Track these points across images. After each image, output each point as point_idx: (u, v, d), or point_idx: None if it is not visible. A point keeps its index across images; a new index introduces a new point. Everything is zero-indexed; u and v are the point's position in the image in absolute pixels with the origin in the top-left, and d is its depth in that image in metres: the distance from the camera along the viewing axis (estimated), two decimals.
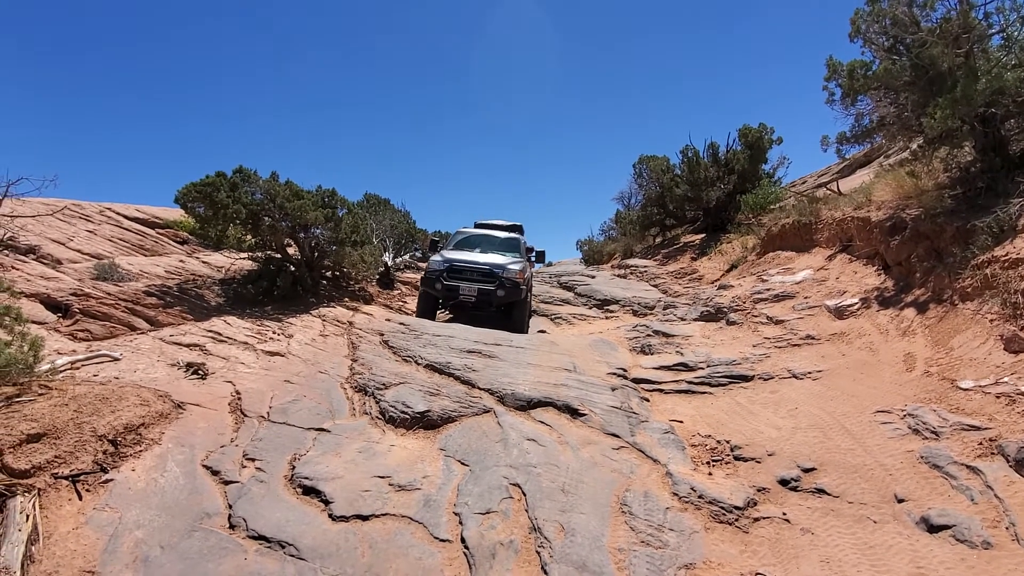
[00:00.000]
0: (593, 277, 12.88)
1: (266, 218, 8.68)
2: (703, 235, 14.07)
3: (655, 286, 11.62)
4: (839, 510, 2.86)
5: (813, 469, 3.26)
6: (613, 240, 19.05)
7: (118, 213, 11.57)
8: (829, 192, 10.69)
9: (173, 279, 8.68)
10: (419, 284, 9.44)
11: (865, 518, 2.74)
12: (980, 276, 4.32)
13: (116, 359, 5.27)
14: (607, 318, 9.75)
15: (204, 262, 10.60)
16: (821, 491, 3.05)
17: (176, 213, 12.62)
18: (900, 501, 2.79)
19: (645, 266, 13.50)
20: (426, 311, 8.53)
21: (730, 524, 2.92)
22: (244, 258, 9.43)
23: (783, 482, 3.21)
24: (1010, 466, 2.70)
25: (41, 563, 2.75)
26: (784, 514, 2.92)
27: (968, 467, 2.84)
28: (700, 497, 3.13)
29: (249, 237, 9.03)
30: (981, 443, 2.97)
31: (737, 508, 3.01)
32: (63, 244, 8.91)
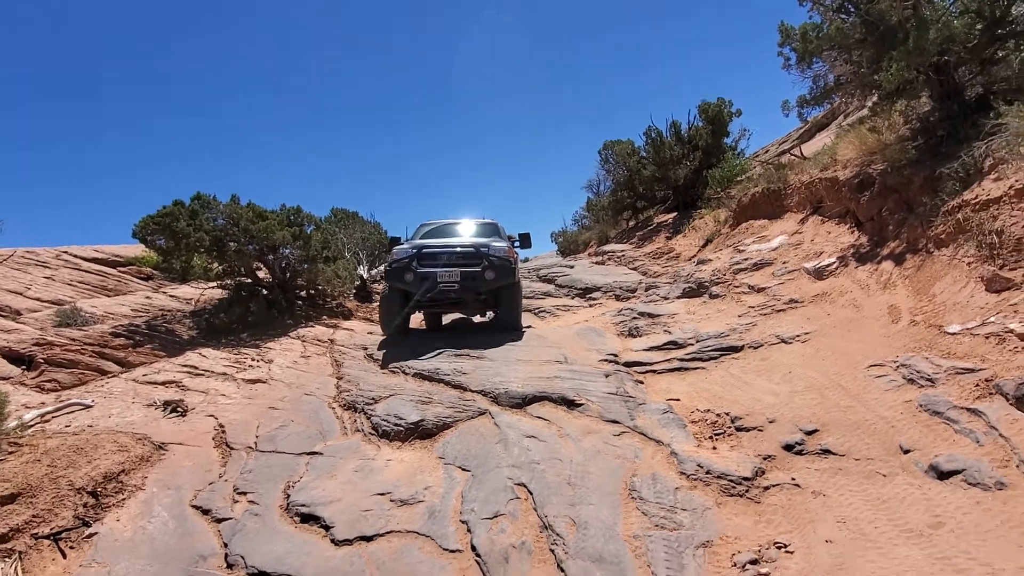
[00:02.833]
0: (572, 267, 12.84)
1: (231, 243, 8.41)
2: (675, 214, 14.15)
3: (634, 269, 11.63)
4: (847, 468, 2.84)
5: (816, 431, 3.24)
6: (587, 229, 19.06)
7: (75, 256, 11.12)
8: (793, 157, 10.84)
9: (140, 317, 8.36)
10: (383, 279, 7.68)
11: (874, 473, 2.72)
12: (952, 221, 4.38)
13: (88, 406, 5.02)
14: (591, 306, 9.71)
15: (172, 296, 10.27)
16: (827, 451, 3.02)
17: (136, 249, 12.20)
18: (906, 452, 2.78)
19: (622, 250, 13.51)
20: (393, 316, 6.87)
21: (741, 496, 2.88)
22: (213, 287, 9.14)
23: (788, 447, 3.18)
24: (1011, 404, 2.71)
25: None
26: (793, 479, 2.88)
27: (969, 410, 2.84)
28: (708, 473, 3.08)
29: (216, 265, 8.74)
30: (978, 384, 2.98)
31: (746, 479, 2.97)
32: (20, 294, 8.51)
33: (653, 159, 14.21)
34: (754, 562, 2.34)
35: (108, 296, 9.66)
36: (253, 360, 6.78)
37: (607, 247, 14.69)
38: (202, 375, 6.09)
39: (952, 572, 1.90)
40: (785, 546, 2.41)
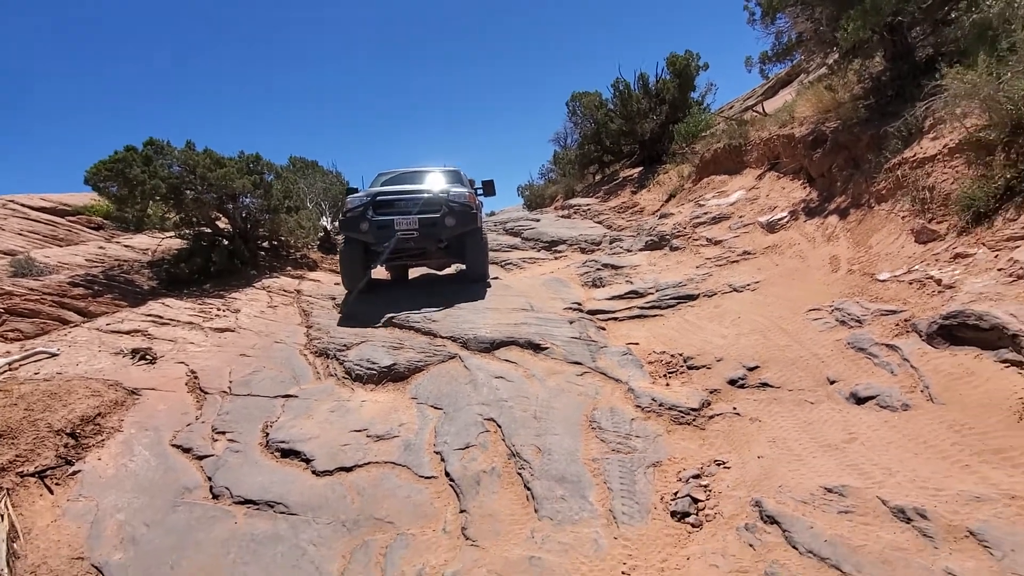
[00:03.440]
0: (538, 220, 12.95)
1: (188, 191, 8.14)
2: (641, 168, 14.30)
3: (600, 222, 11.85)
4: (781, 398, 3.19)
5: (757, 367, 3.58)
6: (553, 182, 19.05)
7: (22, 204, 10.55)
8: (755, 114, 11.06)
9: (96, 267, 8.12)
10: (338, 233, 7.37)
11: (803, 401, 3.08)
12: (892, 178, 4.70)
13: (54, 355, 4.99)
14: (556, 258, 9.93)
15: (127, 246, 9.93)
16: (765, 385, 3.38)
17: (86, 198, 11.64)
18: (832, 382, 3.15)
19: (588, 204, 13.68)
20: (354, 271, 6.55)
21: (688, 424, 3.20)
22: (171, 236, 8.87)
23: (732, 382, 3.53)
24: (923, 340, 3.08)
25: (27, 557, 2.71)
26: (735, 409, 3.22)
27: (887, 346, 3.21)
28: (660, 405, 3.40)
29: (173, 214, 8.48)
30: (898, 324, 3.35)
31: (694, 410, 3.30)
32: None
33: (620, 112, 14.20)
34: (696, 476, 2.67)
35: (60, 246, 9.28)
36: (219, 310, 6.75)
37: (573, 201, 14.82)
38: (168, 324, 6.07)
39: (856, 474, 2.25)
40: (724, 463, 2.74)
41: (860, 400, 2.86)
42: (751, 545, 2.00)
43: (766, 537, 2.01)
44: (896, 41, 5.81)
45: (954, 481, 2.03)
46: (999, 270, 3.01)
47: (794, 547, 1.91)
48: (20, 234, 9.03)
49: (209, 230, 8.71)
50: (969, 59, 4.64)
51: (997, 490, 1.91)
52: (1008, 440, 2.17)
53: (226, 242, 8.64)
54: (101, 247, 9.55)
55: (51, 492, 3.17)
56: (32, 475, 3.20)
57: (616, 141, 14.85)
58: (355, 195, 6.67)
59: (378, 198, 6.34)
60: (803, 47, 6.42)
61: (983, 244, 3.30)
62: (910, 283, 3.61)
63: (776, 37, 6.67)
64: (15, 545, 2.79)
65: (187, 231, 8.57)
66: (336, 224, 12.60)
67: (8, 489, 3.06)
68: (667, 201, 10.87)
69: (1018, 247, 3.04)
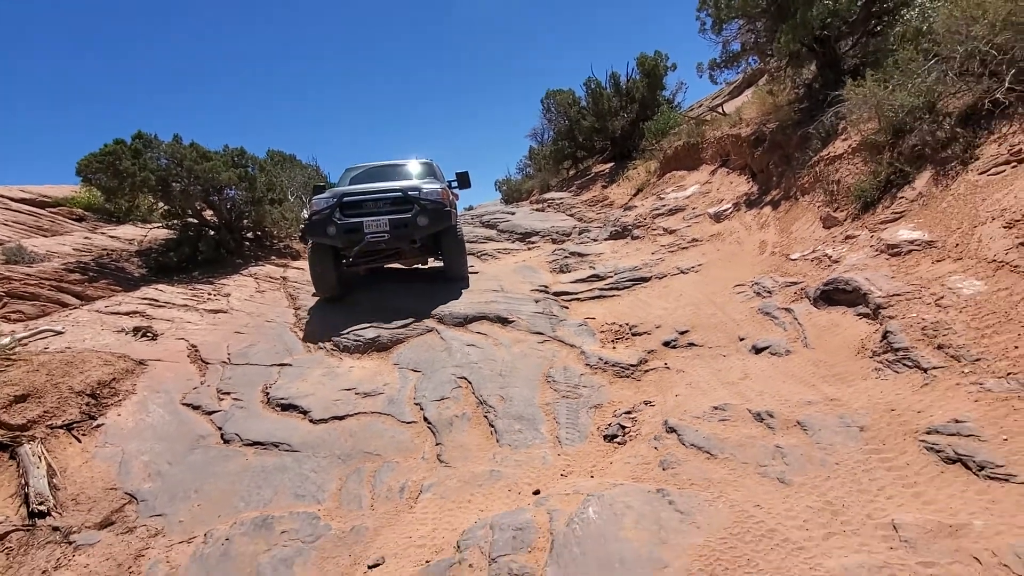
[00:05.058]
0: (513, 214, 13.54)
1: (175, 184, 8.52)
2: (612, 164, 14.97)
3: (571, 215, 12.50)
4: (702, 354, 3.86)
5: (687, 331, 4.25)
6: (530, 177, 19.66)
7: (1, 195, 10.71)
8: (718, 114, 11.81)
9: (85, 256, 8.43)
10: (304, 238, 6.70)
11: (718, 355, 3.75)
12: (812, 173, 5.42)
13: (59, 332, 5.40)
14: (529, 249, 10.53)
15: (112, 236, 10.21)
16: (692, 344, 4.04)
17: (65, 190, 11.84)
18: (741, 340, 3.82)
19: (561, 198, 14.32)
20: (324, 276, 6.12)
21: (627, 377, 3.85)
22: (157, 227, 9.24)
23: (666, 343, 4.19)
24: (811, 303, 3.78)
25: (66, 489, 3.21)
26: (666, 363, 3.88)
27: (785, 309, 3.91)
28: (606, 363, 4.04)
29: (161, 205, 8.85)
30: (796, 292, 4.05)
31: (632, 366, 3.95)
32: None
33: (592, 110, 14.84)
34: (628, 413, 3.31)
35: (45, 236, 9.53)
36: (210, 294, 7.20)
37: (547, 195, 15.44)
38: (163, 306, 6.51)
39: (739, 397, 2.92)
40: (650, 403, 3.39)
41: (758, 351, 3.55)
42: (655, 448, 2.64)
43: (666, 441, 2.65)
44: (825, 52, 6.55)
45: (800, 395, 2.70)
46: (871, 247, 3.72)
47: (683, 444, 2.56)
48: (5, 224, 9.25)
49: (196, 221, 9.09)
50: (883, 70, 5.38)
51: (823, 397, 2.60)
52: (845, 368, 2.87)
53: (212, 232, 9.04)
54: (87, 237, 9.82)
55: (79, 441, 3.66)
56: (60, 427, 3.69)
57: (589, 138, 15.51)
58: (320, 196, 6.14)
59: (345, 199, 5.89)
60: (745, 56, 7.12)
61: (866, 227, 4.02)
62: (811, 260, 4.32)
63: (724, 46, 7.35)
64: (54, 481, 3.29)
65: (175, 222, 8.94)
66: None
67: (41, 438, 3.55)
68: (635, 195, 11.55)
69: (886, 228, 3.76)
